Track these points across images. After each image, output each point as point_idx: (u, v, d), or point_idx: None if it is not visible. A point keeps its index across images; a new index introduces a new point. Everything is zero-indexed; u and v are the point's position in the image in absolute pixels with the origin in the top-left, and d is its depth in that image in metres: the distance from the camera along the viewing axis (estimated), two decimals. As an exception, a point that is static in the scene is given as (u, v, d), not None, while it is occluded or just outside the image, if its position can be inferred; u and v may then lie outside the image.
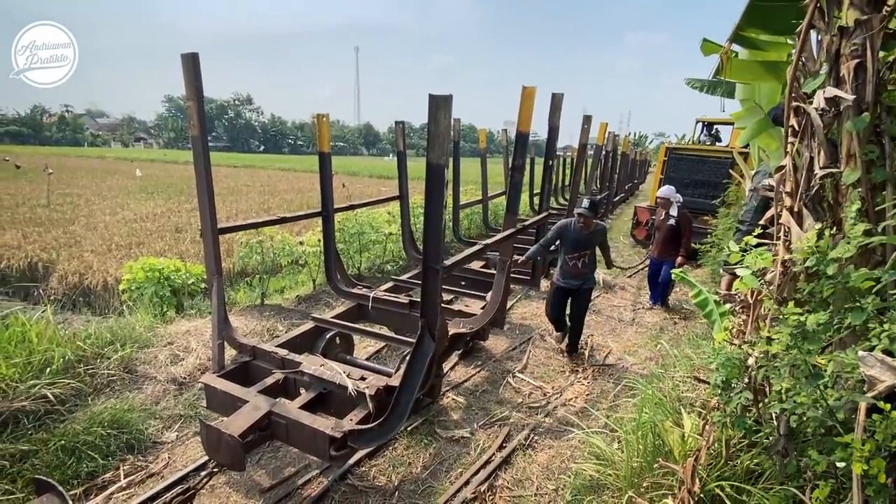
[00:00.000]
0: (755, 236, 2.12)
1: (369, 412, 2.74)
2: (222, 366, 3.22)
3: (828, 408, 1.61)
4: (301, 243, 6.36)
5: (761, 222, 2.40)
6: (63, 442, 2.94)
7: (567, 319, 4.60)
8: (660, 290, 6.14)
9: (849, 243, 1.66)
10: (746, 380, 1.96)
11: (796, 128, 2.01)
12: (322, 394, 2.96)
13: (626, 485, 2.33)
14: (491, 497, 2.80)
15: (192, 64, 2.91)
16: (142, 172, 23.37)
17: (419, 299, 3.03)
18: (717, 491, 1.92)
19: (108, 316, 5.63)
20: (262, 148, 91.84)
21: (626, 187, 17.43)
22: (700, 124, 11.21)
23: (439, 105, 2.41)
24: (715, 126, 11.13)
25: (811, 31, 1.98)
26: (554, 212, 9.38)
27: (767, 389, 1.98)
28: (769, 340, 1.79)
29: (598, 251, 4.47)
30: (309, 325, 3.86)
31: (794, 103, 2.01)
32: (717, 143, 10.85)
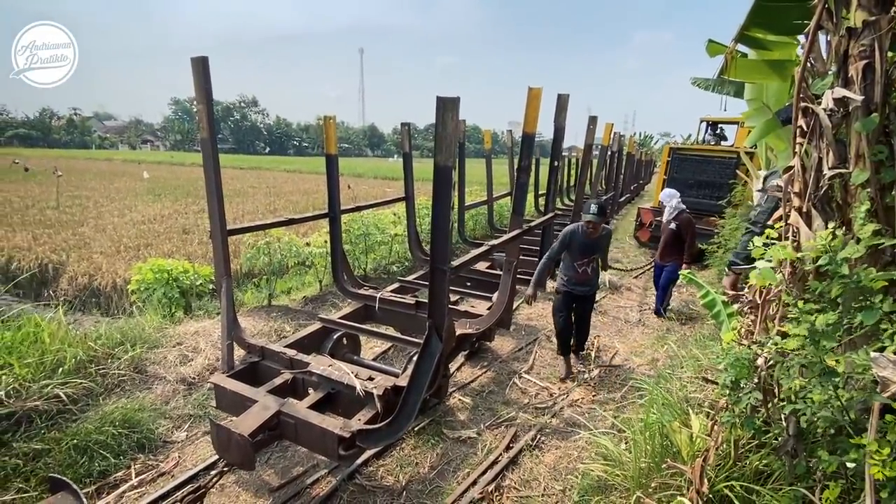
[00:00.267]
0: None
1: (377, 412, 2.76)
2: (231, 366, 3.25)
3: (841, 407, 1.61)
4: (308, 244, 6.40)
5: (770, 223, 2.39)
6: (75, 441, 2.98)
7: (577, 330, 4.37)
8: (662, 293, 5.96)
9: (858, 243, 1.66)
10: (756, 380, 1.96)
11: (805, 128, 2.00)
12: (330, 394, 2.98)
13: (634, 485, 2.33)
14: (498, 497, 2.81)
15: (201, 67, 2.95)
16: (149, 174, 23.58)
17: (425, 300, 3.04)
18: (726, 491, 1.92)
19: (118, 317, 5.71)
20: (267, 150, 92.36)
21: (632, 188, 17.38)
22: (704, 124, 11.07)
23: (447, 107, 2.43)
24: (720, 126, 11.01)
25: (819, 31, 1.98)
26: (559, 212, 9.35)
27: (776, 390, 1.98)
28: (783, 336, 1.78)
29: None
30: (316, 325, 3.89)
31: (803, 104, 2.00)
32: (723, 143, 10.74)
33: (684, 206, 5.60)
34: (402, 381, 2.88)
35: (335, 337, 3.82)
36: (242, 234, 5.92)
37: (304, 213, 5.10)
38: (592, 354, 4.70)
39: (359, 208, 5.72)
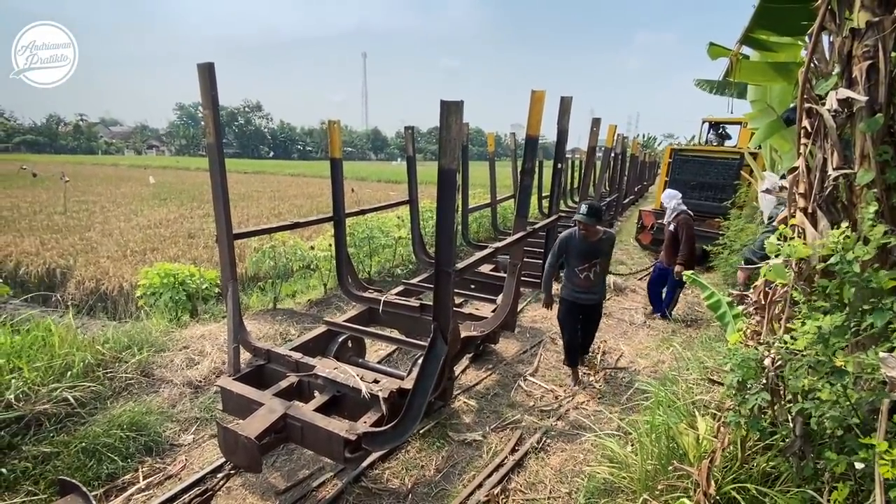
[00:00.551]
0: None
1: (383, 415, 2.77)
2: (238, 369, 3.27)
3: (850, 407, 1.60)
4: (312, 248, 6.43)
5: (774, 223, 2.39)
6: (84, 444, 3.00)
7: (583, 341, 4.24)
8: (666, 297, 5.85)
9: (867, 244, 1.65)
10: (763, 381, 1.96)
11: (809, 129, 2.00)
12: (336, 396, 2.99)
13: (641, 487, 2.32)
14: (504, 500, 2.81)
15: (207, 74, 2.98)
16: (155, 179, 23.76)
17: (430, 303, 3.06)
18: (734, 493, 1.91)
19: (125, 321, 5.74)
20: (271, 154, 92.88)
21: (636, 189, 17.35)
22: (706, 125, 10.97)
23: (451, 111, 2.45)
24: (723, 126, 10.93)
25: (822, 32, 1.98)
26: (563, 214, 9.35)
27: (783, 390, 1.97)
28: (792, 336, 1.77)
29: None
30: (321, 328, 3.91)
31: (807, 105, 2.01)
32: (727, 143, 10.67)
33: (684, 207, 5.51)
34: (408, 384, 2.89)
35: (340, 340, 3.83)
36: (248, 239, 5.96)
37: (309, 216, 5.14)
38: (598, 357, 4.69)
39: (363, 212, 5.75)
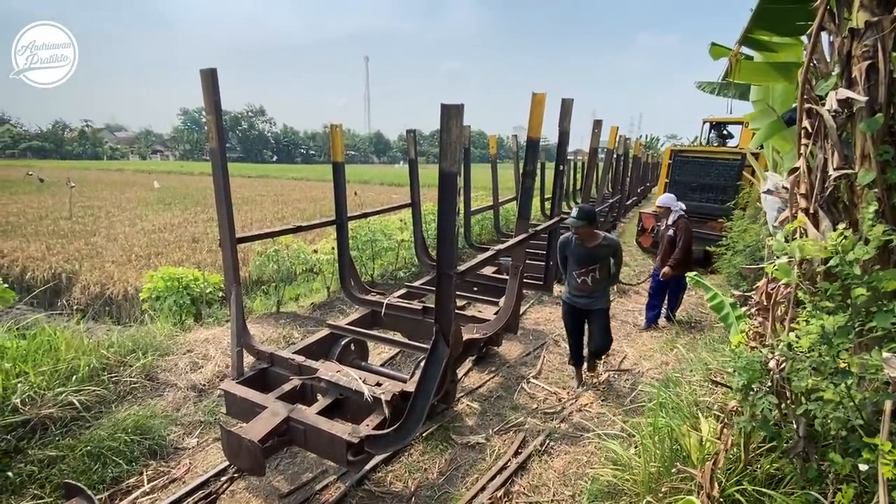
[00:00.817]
0: None
1: (385, 418, 2.77)
2: (241, 372, 3.29)
3: (853, 408, 1.59)
4: (315, 251, 6.46)
5: (776, 224, 2.38)
6: (89, 448, 3.02)
7: (591, 344, 4.12)
8: (672, 303, 5.62)
9: (867, 244, 1.65)
10: (769, 383, 1.95)
11: (809, 129, 2.00)
12: (338, 400, 3.00)
13: (644, 490, 2.31)
14: (507, 503, 2.80)
15: (210, 79, 3.01)
16: (159, 184, 23.93)
17: (432, 305, 3.06)
18: (737, 496, 1.90)
19: (130, 325, 5.78)
20: (274, 158, 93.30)
21: (639, 190, 17.32)
22: (707, 125, 10.81)
23: (451, 114, 2.46)
24: (724, 126, 10.75)
25: (822, 33, 1.98)
26: (565, 216, 9.32)
27: (788, 392, 1.96)
28: (797, 337, 1.77)
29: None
30: (324, 331, 3.92)
31: (807, 105, 2.00)
32: (729, 143, 10.56)
33: (682, 212, 5.33)
34: (410, 387, 2.89)
35: (343, 343, 3.84)
36: (251, 242, 5.99)
37: (312, 219, 5.17)
38: (602, 359, 4.67)
39: (365, 215, 5.77)
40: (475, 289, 5.31)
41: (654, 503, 2.16)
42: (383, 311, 4.27)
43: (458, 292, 4.66)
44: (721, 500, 1.91)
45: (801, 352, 1.72)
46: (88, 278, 9.21)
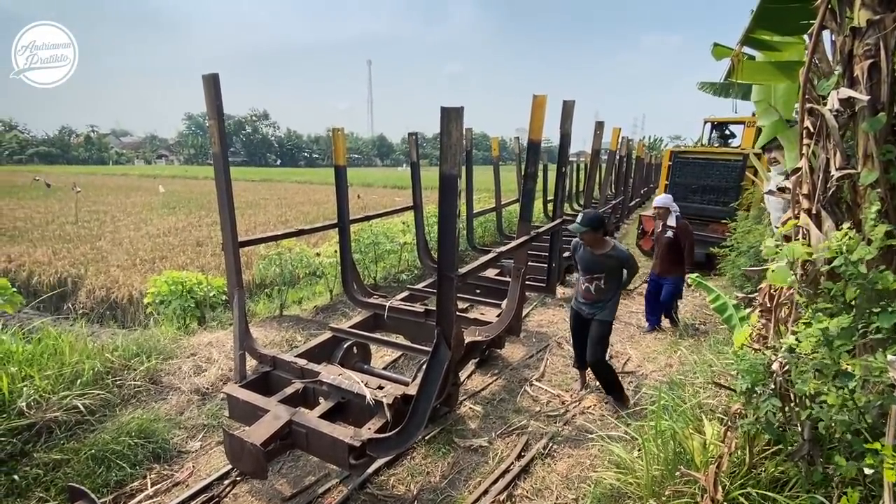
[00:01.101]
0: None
1: (387, 421, 2.77)
2: (244, 376, 3.30)
3: (857, 411, 1.58)
4: (318, 254, 6.47)
5: (779, 225, 2.37)
6: (93, 451, 3.04)
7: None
8: (662, 310, 5.49)
9: (870, 244, 1.63)
10: (773, 385, 1.93)
11: (811, 129, 1.99)
12: (341, 403, 3.00)
13: (647, 493, 2.29)
14: (510, 506, 2.79)
15: (212, 84, 3.03)
16: (164, 188, 24.09)
17: (435, 308, 3.06)
18: (741, 499, 1.88)
19: (134, 328, 5.81)
20: (278, 162, 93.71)
21: (642, 192, 17.26)
22: (708, 125, 10.59)
23: (451, 117, 2.46)
24: (726, 126, 10.54)
25: (823, 32, 1.97)
26: (568, 218, 9.30)
27: (792, 395, 1.94)
28: (797, 340, 1.75)
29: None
30: (327, 335, 3.92)
31: (808, 105, 1.99)
32: (731, 143, 10.42)
33: (679, 212, 5.23)
34: (412, 390, 2.89)
35: (345, 346, 3.85)
36: (255, 246, 6.02)
37: (315, 223, 5.18)
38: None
39: (368, 218, 5.78)
40: (478, 291, 5.30)
41: (657, 507, 2.15)
42: (386, 313, 4.27)
43: (460, 295, 4.66)
44: (725, 503, 1.90)
45: (804, 354, 1.70)
46: (94, 282, 9.27)
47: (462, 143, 2.57)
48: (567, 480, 2.99)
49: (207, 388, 4.03)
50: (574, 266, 4.00)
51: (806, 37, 2.10)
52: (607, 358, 4.00)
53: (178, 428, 3.52)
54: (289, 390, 3.11)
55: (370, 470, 3.02)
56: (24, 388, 3.27)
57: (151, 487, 2.94)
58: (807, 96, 2.00)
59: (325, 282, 6.85)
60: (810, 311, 1.84)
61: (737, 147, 9.50)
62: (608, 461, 2.85)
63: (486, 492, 2.87)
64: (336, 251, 5.77)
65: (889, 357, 1.50)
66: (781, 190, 2.33)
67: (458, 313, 3.11)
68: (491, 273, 5.70)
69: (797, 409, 1.85)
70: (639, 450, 2.63)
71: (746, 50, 3.20)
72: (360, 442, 2.55)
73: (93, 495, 2.37)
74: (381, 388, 2.95)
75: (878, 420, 1.60)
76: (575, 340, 4.07)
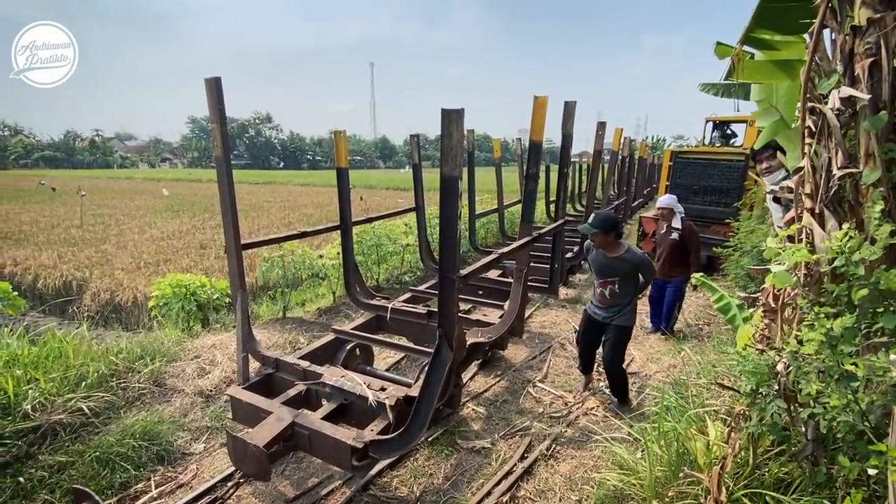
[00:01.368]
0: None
1: (389, 422, 2.77)
2: (247, 378, 3.31)
3: (860, 411, 1.57)
4: (321, 257, 6.49)
5: (780, 225, 2.36)
6: (98, 453, 3.05)
7: (602, 359, 3.93)
8: (665, 314, 5.34)
9: (873, 244, 1.62)
10: (777, 386, 1.92)
11: (813, 128, 1.98)
12: (343, 404, 3.00)
13: (651, 494, 2.29)
14: (513, 508, 2.78)
15: (214, 88, 3.05)
16: (168, 192, 24.23)
17: (437, 309, 3.06)
18: (745, 500, 1.87)
19: (138, 331, 5.84)
20: (281, 164, 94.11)
21: (645, 192, 17.22)
22: (710, 124, 10.43)
23: (451, 119, 2.47)
24: (728, 125, 10.37)
25: (824, 30, 1.96)
26: (570, 219, 9.27)
27: (797, 395, 1.93)
28: (800, 342, 1.74)
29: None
30: (329, 336, 3.93)
31: (810, 104, 1.99)
32: (733, 142, 10.32)
33: (683, 213, 5.12)
34: (414, 392, 2.89)
35: (348, 348, 3.85)
36: (258, 248, 6.03)
37: (318, 225, 5.19)
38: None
39: (370, 219, 5.79)
40: (480, 292, 5.30)
41: (660, 508, 2.14)
42: (388, 315, 4.27)
43: (462, 296, 4.66)
44: (728, 504, 1.89)
45: (807, 355, 1.70)
46: (98, 285, 9.33)
47: (463, 144, 2.57)
48: (570, 482, 2.99)
49: (211, 391, 4.05)
50: (577, 267, 3.97)
51: (806, 35, 2.09)
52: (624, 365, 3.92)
53: (181, 430, 3.54)
54: (292, 392, 3.12)
55: (373, 472, 3.02)
56: (30, 391, 3.29)
57: (156, 489, 2.95)
58: (808, 95, 1.99)
59: (328, 284, 6.86)
60: (813, 312, 1.83)
61: (739, 147, 9.41)
62: (611, 462, 2.84)
63: (489, 493, 2.87)
64: (339, 253, 5.78)
65: (892, 357, 1.49)
66: (787, 191, 2.32)
67: (460, 314, 3.11)
68: (493, 274, 5.70)
69: (801, 409, 1.84)
70: (642, 451, 2.63)
71: (747, 49, 3.19)
72: (362, 443, 2.55)
73: (97, 497, 2.38)
74: (383, 389, 2.95)
75: (881, 420, 1.59)
76: (582, 344, 3.95)
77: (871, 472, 1.46)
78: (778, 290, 2.27)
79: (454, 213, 2.65)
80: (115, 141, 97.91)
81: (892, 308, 1.60)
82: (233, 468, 2.97)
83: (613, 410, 3.77)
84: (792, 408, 1.94)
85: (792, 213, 2.20)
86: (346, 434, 2.62)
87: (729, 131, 10.46)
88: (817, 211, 1.96)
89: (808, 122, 1.99)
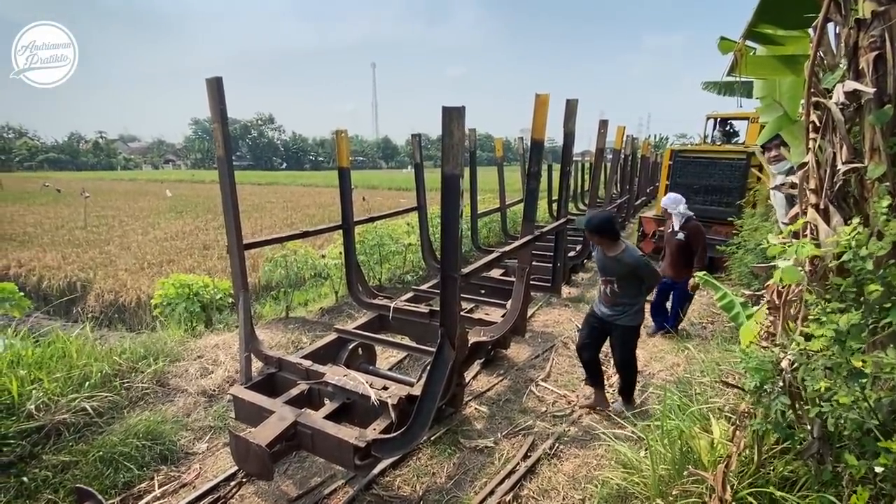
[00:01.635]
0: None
1: (392, 421, 2.77)
2: (249, 378, 3.31)
3: (868, 409, 1.55)
4: (323, 256, 6.50)
5: (785, 221, 2.34)
6: (101, 453, 3.06)
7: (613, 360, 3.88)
8: (672, 312, 5.25)
9: (881, 239, 1.61)
10: (781, 383, 1.90)
11: (817, 123, 1.96)
12: (345, 404, 3.00)
13: (655, 493, 2.27)
14: (516, 507, 2.77)
15: (215, 88, 3.05)
16: (171, 193, 24.33)
17: (439, 308, 3.05)
18: (750, 499, 1.85)
19: (142, 331, 5.86)
20: (284, 165, 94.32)
21: (648, 190, 17.15)
22: (711, 121, 10.26)
23: (452, 117, 2.46)
24: (730, 122, 10.22)
25: (828, 24, 1.94)
26: (573, 217, 9.21)
27: (803, 393, 1.91)
28: (808, 338, 1.72)
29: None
30: (332, 336, 3.93)
31: (814, 98, 1.97)
32: (735, 140, 10.19)
33: (691, 213, 5.01)
34: (416, 391, 2.88)
35: (350, 347, 3.85)
36: (261, 249, 6.03)
37: (321, 225, 5.18)
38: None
39: (372, 219, 5.79)
40: (482, 292, 5.29)
41: (664, 507, 2.12)
42: (390, 314, 4.27)
43: (465, 295, 4.64)
44: (734, 503, 1.87)
45: (814, 352, 1.68)
46: (102, 286, 9.38)
47: (464, 143, 2.56)
48: (573, 481, 2.97)
49: (214, 390, 4.06)
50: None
51: (810, 30, 2.07)
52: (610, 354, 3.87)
53: (185, 430, 3.54)
54: (294, 391, 3.12)
55: (376, 471, 3.01)
56: (33, 391, 3.30)
57: (159, 489, 2.95)
58: (812, 90, 1.97)
59: (331, 283, 6.87)
60: (820, 307, 1.81)
61: (741, 144, 9.26)
62: (615, 461, 2.82)
63: (491, 492, 2.86)
64: (341, 253, 5.78)
65: (900, 353, 1.47)
66: (791, 187, 2.30)
67: (462, 314, 3.11)
68: (496, 273, 5.68)
69: (807, 407, 1.82)
70: (646, 449, 2.61)
71: (750, 44, 3.16)
72: (365, 442, 2.55)
73: (99, 496, 2.39)
74: (385, 388, 2.95)
75: (889, 417, 1.58)
76: (580, 338, 3.83)
77: (878, 469, 1.44)
78: (782, 287, 2.25)
79: (455, 212, 2.64)
80: (119, 142, 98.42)
81: (901, 304, 1.58)
82: (236, 467, 2.97)
83: (617, 409, 3.75)
84: (797, 405, 1.92)
85: (796, 210, 2.18)
86: (348, 433, 2.61)
87: (731, 129, 10.34)
88: (822, 207, 1.94)
89: (813, 117, 1.97)
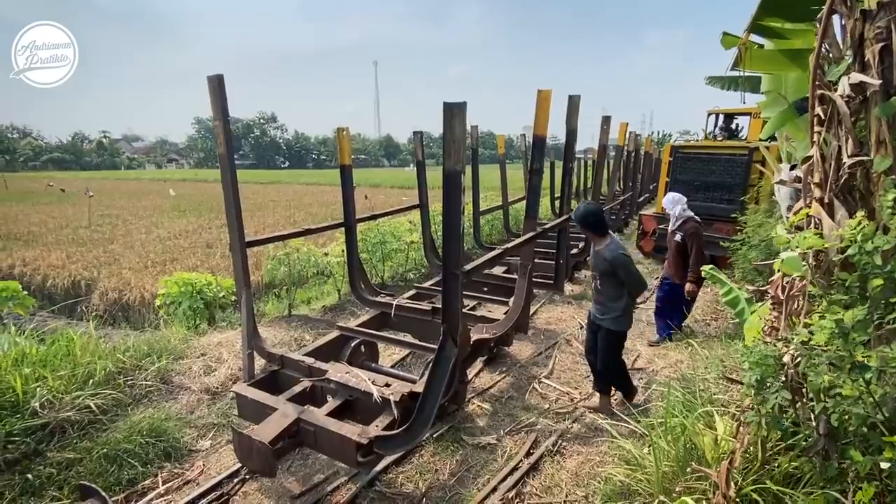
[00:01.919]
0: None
1: (394, 418, 2.77)
2: (252, 375, 3.31)
3: (873, 403, 1.53)
4: (326, 254, 6.50)
5: (789, 215, 2.32)
6: (105, 450, 3.08)
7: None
8: (675, 317, 4.97)
9: (887, 233, 1.59)
10: (783, 378, 1.89)
11: (822, 116, 1.94)
12: (348, 401, 3.01)
13: (658, 490, 2.26)
14: (519, 504, 2.77)
15: (217, 85, 3.05)
16: (174, 192, 24.40)
17: (441, 306, 3.05)
18: (754, 495, 1.84)
19: (145, 329, 5.88)
20: (286, 164, 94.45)
21: (651, 187, 17.07)
22: (713, 117, 10.11)
23: (454, 113, 2.44)
24: (732, 117, 10.02)
25: (833, 16, 1.92)
26: (576, 215, 9.15)
27: (805, 388, 1.90)
28: (811, 332, 1.70)
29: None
30: (334, 333, 3.93)
31: (819, 91, 1.95)
32: (739, 136, 10.08)
33: (691, 213, 4.77)
34: (419, 388, 2.88)
35: (353, 344, 3.85)
36: (264, 247, 6.05)
37: (323, 223, 5.18)
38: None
39: (374, 217, 5.78)
40: (485, 289, 5.28)
41: (667, 503, 2.11)
42: (393, 312, 4.27)
43: (467, 293, 4.64)
44: (737, 500, 1.86)
45: (818, 346, 1.66)
46: (106, 285, 9.41)
47: (465, 139, 2.55)
48: (576, 477, 2.97)
49: (217, 388, 4.07)
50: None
51: (816, 22, 2.05)
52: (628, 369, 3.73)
53: (188, 427, 3.55)
54: (297, 389, 3.12)
55: (378, 468, 3.02)
56: (38, 389, 3.32)
57: (163, 486, 2.96)
58: (817, 83, 1.95)
59: (334, 281, 6.87)
60: (824, 302, 1.80)
61: (743, 140, 9.11)
62: (618, 458, 2.82)
63: (494, 489, 2.86)
64: (343, 251, 5.78)
65: (905, 348, 1.45)
66: (796, 181, 2.28)
67: (465, 311, 3.10)
68: (498, 271, 5.68)
69: (810, 402, 1.81)
70: (649, 446, 2.60)
71: (754, 38, 3.14)
72: (367, 439, 2.55)
73: (103, 493, 2.40)
74: (388, 385, 2.95)
75: (894, 413, 1.56)
76: (585, 343, 3.79)
77: (884, 465, 1.43)
78: (786, 282, 2.23)
79: (457, 209, 2.63)
80: (122, 142, 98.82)
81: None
82: (239, 464, 2.98)
83: (620, 405, 3.74)
84: (797, 401, 1.90)
85: (800, 204, 2.17)
86: (351, 430, 2.62)
87: (733, 125, 10.21)
88: (826, 200, 1.93)
89: (818, 111, 1.95)
